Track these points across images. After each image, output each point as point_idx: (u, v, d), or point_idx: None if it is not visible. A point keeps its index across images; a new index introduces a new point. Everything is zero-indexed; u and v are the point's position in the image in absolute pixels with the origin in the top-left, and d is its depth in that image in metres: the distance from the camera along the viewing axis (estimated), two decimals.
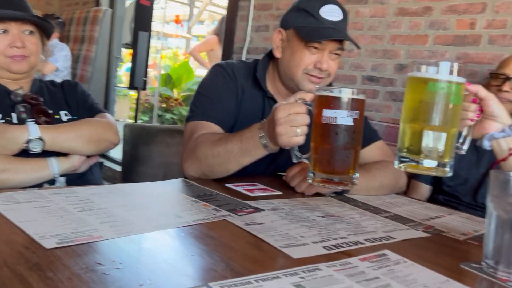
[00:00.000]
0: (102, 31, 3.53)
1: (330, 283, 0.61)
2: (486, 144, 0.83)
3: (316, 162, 0.92)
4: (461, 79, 0.80)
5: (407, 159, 0.83)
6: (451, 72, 0.79)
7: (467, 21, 2.10)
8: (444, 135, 0.80)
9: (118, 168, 2.85)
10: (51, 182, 1.17)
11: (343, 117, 0.87)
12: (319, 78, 1.26)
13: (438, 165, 0.82)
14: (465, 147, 0.88)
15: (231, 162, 1.11)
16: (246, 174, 1.35)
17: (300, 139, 0.95)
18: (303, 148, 0.98)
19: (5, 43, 1.19)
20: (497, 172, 0.71)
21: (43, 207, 0.79)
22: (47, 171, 1.14)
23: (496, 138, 0.82)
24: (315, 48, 1.24)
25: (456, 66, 0.79)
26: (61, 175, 1.18)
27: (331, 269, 0.65)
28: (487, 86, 1.66)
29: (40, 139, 1.10)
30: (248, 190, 1.10)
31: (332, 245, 0.76)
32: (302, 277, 0.61)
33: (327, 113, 0.87)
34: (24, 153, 1.11)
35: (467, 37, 2.10)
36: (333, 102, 0.88)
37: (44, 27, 1.29)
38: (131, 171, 1.78)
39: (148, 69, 2.96)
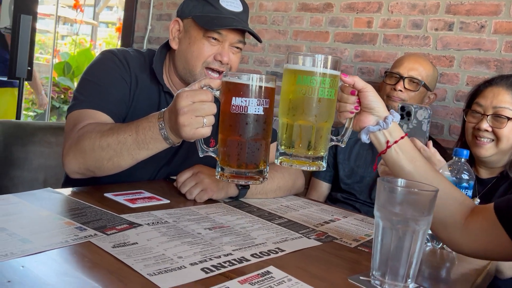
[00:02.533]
0: None
1: None
2: (364, 138, 0.81)
3: (224, 155, 0.81)
4: (335, 72, 0.77)
5: (283, 153, 0.79)
6: (324, 65, 0.76)
7: (365, 20, 2.15)
8: (314, 128, 0.77)
9: None
10: None
11: (254, 106, 0.77)
12: (220, 72, 1.17)
13: (310, 159, 0.78)
14: (345, 139, 0.85)
15: (124, 156, 0.95)
16: (132, 179, 1.21)
17: (206, 131, 0.84)
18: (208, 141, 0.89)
19: None
20: (384, 180, 0.67)
21: None
22: None
23: (372, 132, 0.80)
24: (215, 39, 1.15)
25: (330, 58, 0.76)
26: None
27: None
28: (382, 84, 1.70)
29: None
30: (130, 200, 0.97)
31: (213, 266, 0.67)
32: None
33: (237, 101, 0.77)
34: None
35: (364, 36, 2.15)
36: (243, 90, 0.78)
37: None
38: (3, 176, 1.54)
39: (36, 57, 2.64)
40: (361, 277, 0.70)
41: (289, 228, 0.94)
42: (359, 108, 0.81)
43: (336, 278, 0.70)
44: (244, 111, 0.77)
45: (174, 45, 1.21)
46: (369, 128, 0.80)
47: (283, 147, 0.79)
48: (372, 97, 0.80)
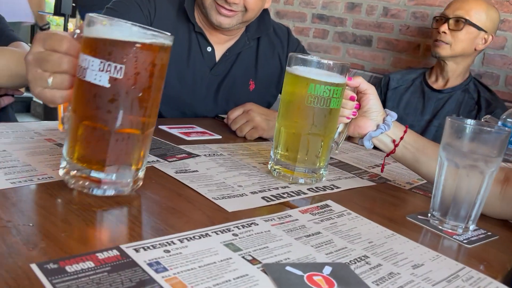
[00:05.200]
0: None
1: (266, 240, 0.53)
2: (368, 145, 0.81)
3: (73, 142, 0.55)
4: (343, 80, 0.73)
5: (284, 164, 0.76)
6: (339, 72, 0.72)
7: None
8: (321, 142, 0.75)
9: None
10: None
11: (94, 71, 0.51)
12: (230, 10, 1.10)
13: (313, 171, 0.76)
14: (340, 145, 0.84)
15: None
16: (183, 115, 1.24)
17: (51, 95, 0.56)
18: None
19: None
20: (453, 119, 0.65)
21: None
22: None
23: (375, 137, 0.80)
24: None
25: (343, 66, 0.72)
26: None
27: (269, 224, 0.58)
28: (432, 31, 1.64)
29: None
30: (184, 134, 0.99)
31: (272, 196, 0.69)
32: (235, 234, 0.53)
33: (80, 59, 0.53)
34: None
35: None
36: (90, 42, 0.52)
37: None
38: None
39: None
40: (419, 216, 0.70)
41: (341, 168, 0.94)
42: (356, 113, 0.80)
43: (393, 215, 0.70)
44: (82, 76, 0.52)
45: None
46: (371, 134, 0.79)
47: (283, 157, 0.76)
48: (373, 101, 0.78)
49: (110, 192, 0.55)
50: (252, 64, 1.29)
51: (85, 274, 0.40)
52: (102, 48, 0.51)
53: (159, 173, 0.70)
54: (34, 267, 0.40)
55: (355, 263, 0.51)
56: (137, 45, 0.51)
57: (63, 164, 0.56)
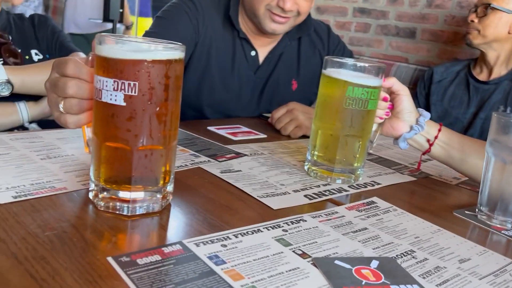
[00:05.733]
0: None
1: (315, 236, 0.56)
2: (403, 146, 0.81)
3: (97, 164, 0.56)
4: (380, 82, 0.75)
5: (321, 164, 0.78)
6: (376, 74, 0.74)
7: None
8: (359, 143, 0.77)
9: None
10: (23, 128, 1.08)
11: (109, 90, 0.52)
12: (284, 17, 1.13)
13: (350, 171, 0.78)
14: (374, 144, 0.85)
15: None
16: (228, 115, 1.28)
17: (65, 120, 0.57)
18: None
19: None
20: (500, 114, 0.65)
21: (1, 154, 0.72)
22: (16, 116, 1.05)
23: (409, 138, 0.81)
24: None
25: (379, 68, 0.74)
26: (33, 121, 1.09)
27: (316, 220, 0.61)
28: (466, 21, 1.63)
29: (8, 82, 1.00)
30: (231, 134, 1.04)
31: (314, 194, 0.71)
32: (285, 230, 0.57)
33: (95, 81, 0.54)
34: None
35: None
36: (103, 62, 0.52)
37: None
38: None
39: None
40: (466, 211, 0.70)
41: (381, 164, 0.95)
42: (389, 114, 0.80)
43: (440, 211, 0.71)
44: (98, 98, 0.53)
45: None
46: (405, 136, 0.80)
47: (320, 158, 0.78)
48: (406, 102, 0.79)
49: (141, 211, 0.55)
50: (294, 64, 1.32)
51: (154, 266, 0.45)
52: (113, 68, 0.51)
53: (207, 174, 0.75)
54: (110, 259, 0.45)
55: (402, 257, 0.53)
56: (147, 61, 0.51)
57: (92, 186, 0.57)
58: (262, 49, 1.27)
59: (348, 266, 0.49)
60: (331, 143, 0.77)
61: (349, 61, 0.75)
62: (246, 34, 1.24)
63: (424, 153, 0.83)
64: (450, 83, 1.63)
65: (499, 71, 1.56)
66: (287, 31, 1.22)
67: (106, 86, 0.52)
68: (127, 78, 0.51)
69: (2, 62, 1.07)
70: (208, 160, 0.81)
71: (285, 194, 0.70)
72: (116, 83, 0.51)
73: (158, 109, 0.53)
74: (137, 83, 0.51)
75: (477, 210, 0.69)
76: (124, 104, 0.52)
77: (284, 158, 0.89)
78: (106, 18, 2.60)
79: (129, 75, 0.51)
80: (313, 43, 1.34)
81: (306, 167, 0.81)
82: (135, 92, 0.51)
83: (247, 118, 1.26)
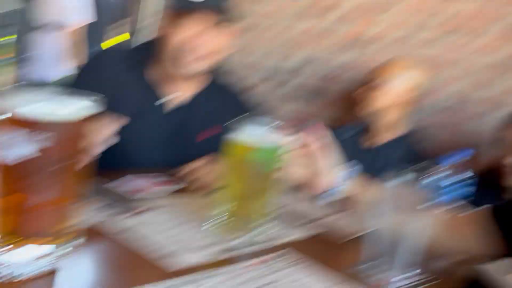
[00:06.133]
0: None
1: None
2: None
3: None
4: (276, 143, 0.79)
5: (227, 221, 0.81)
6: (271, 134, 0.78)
7: None
8: (261, 201, 0.81)
9: None
10: None
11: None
12: (199, 57, 1.18)
13: (256, 227, 0.81)
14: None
15: None
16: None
17: None
18: None
19: None
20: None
21: None
22: None
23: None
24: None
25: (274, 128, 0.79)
26: None
27: (215, 280, 0.62)
28: None
29: None
30: (149, 184, 1.03)
31: (216, 251, 0.72)
32: None
33: None
34: None
35: None
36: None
37: None
38: None
39: None
40: (353, 268, 0.76)
41: (288, 221, 0.99)
42: None
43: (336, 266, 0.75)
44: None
45: None
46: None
47: (226, 216, 0.80)
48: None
49: (29, 272, 0.53)
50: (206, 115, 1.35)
51: None
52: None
53: (106, 233, 0.72)
54: None
55: None
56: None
57: None
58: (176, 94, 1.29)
59: None
60: (235, 200, 0.80)
61: (251, 125, 0.79)
62: (158, 79, 1.26)
63: None
64: None
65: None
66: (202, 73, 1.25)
67: None
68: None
69: None
70: (112, 217, 0.79)
71: (184, 253, 0.69)
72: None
73: (55, 167, 0.53)
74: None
75: (365, 264, 0.75)
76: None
77: (190, 215, 0.89)
78: None
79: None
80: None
81: (209, 224, 0.82)
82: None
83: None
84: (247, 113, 1.40)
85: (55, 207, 0.54)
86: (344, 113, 2.23)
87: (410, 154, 1.70)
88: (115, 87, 1.21)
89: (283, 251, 0.77)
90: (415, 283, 0.72)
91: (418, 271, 0.75)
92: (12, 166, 0.51)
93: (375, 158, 1.71)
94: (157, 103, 1.27)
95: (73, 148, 0.55)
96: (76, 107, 0.54)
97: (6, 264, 0.52)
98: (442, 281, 0.76)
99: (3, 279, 0.51)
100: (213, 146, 1.33)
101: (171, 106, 1.29)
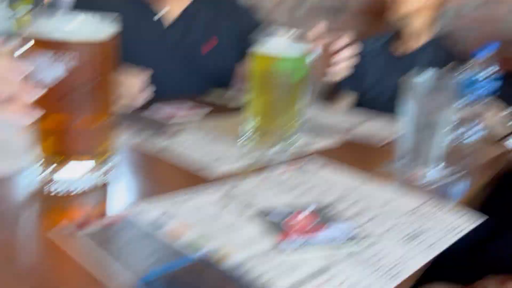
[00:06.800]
0: None
1: (254, 194, 0.60)
2: None
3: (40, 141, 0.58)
4: (302, 50, 0.79)
5: (256, 134, 0.82)
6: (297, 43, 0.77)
7: None
8: (292, 111, 0.81)
9: None
10: None
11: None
12: None
13: (286, 139, 0.82)
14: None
15: None
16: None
17: None
18: None
19: None
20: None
21: None
22: None
23: None
24: None
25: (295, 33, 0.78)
26: None
27: (256, 181, 0.65)
28: None
29: None
30: (175, 110, 1.06)
31: (251, 162, 0.75)
32: (227, 191, 0.60)
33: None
34: None
35: None
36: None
37: None
38: None
39: None
40: (389, 164, 0.78)
41: (316, 130, 1.00)
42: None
43: (367, 166, 0.77)
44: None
45: None
46: None
47: (255, 129, 0.81)
48: None
49: (83, 186, 0.57)
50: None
51: (99, 233, 0.47)
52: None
53: (145, 151, 0.76)
54: (55, 232, 0.46)
55: (334, 203, 0.59)
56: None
57: (33, 166, 0.58)
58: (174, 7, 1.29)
59: (281, 217, 0.54)
60: (264, 112, 0.81)
61: (272, 36, 0.78)
62: None
63: None
64: None
65: None
66: None
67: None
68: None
69: None
70: (149, 139, 0.83)
71: (221, 165, 0.73)
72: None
73: (91, 85, 0.56)
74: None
75: (397, 162, 0.77)
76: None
77: (224, 133, 0.91)
78: None
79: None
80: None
81: (241, 139, 0.85)
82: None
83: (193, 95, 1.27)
84: (252, 21, 1.37)
85: (93, 125, 0.58)
86: (369, 26, 2.16)
87: (442, 57, 1.65)
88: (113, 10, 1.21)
89: (313, 156, 0.79)
90: (447, 176, 0.74)
91: (449, 165, 0.76)
92: (47, 88, 0.54)
93: (408, 64, 1.67)
94: (155, 18, 1.27)
95: (102, 67, 0.57)
96: (97, 27, 0.56)
97: (59, 181, 0.56)
98: (473, 175, 0.78)
99: (61, 194, 0.56)
100: (219, 58, 1.34)
101: (167, 20, 1.29)
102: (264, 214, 0.54)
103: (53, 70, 0.53)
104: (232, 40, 1.35)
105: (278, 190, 0.63)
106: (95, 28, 0.56)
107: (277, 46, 0.78)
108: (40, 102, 0.54)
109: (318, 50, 0.93)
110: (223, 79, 1.41)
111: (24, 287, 0.38)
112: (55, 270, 0.41)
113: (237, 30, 1.34)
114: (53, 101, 0.55)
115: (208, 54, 1.33)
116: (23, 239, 0.45)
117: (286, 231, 0.50)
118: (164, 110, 1.07)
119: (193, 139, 0.85)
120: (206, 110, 1.09)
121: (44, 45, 0.53)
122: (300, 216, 0.54)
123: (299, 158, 0.79)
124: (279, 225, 0.51)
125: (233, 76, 1.45)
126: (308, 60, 0.82)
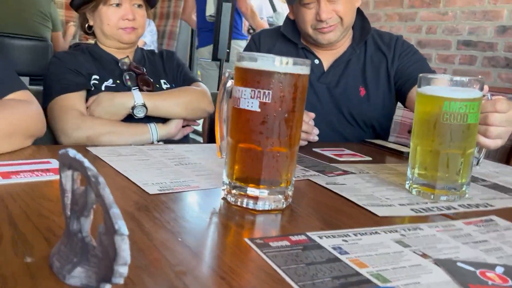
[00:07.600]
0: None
1: (433, 242, 0.57)
2: None
3: (231, 164, 0.65)
4: (479, 94, 0.74)
5: (423, 182, 0.78)
6: (473, 87, 0.74)
7: None
8: (461, 158, 0.75)
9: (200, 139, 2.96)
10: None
11: (246, 99, 0.60)
12: (329, 26, 1.26)
13: (455, 188, 0.76)
14: (481, 160, 0.87)
15: None
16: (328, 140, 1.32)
17: None
18: None
19: (118, 16, 1.26)
20: None
21: (143, 160, 0.84)
22: (147, 135, 1.19)
23: None
24: (308, 3, 1.25)
25: (472, 81, 0.74)
26: (160, 140, 1.24)
27: (433, 229, 0.62)
28: None
29: (144, 105, 1.17)
30: (337, 155, 1.08)
31: (422, 208, 0.71)
32: (402, 235, 0.58)
33: (234, 90, 0.63)
34: (127, 119, 1.18)
35: None
36: (241, 73, 0.62)
37: (150, 1, 1.35)
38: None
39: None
40: None
41: (496, 189, 0.91)
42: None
43: None
44: (237, 105, 0.62)
45: (291, 16, 1.38)
46: None
47: (421, 176, 0.78)
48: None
49: (266, 207, 0.62)
50: (360, 71, 1.37)
51: (285, 249, 0.50)
52: (251, 79, 0.60)
53: (314, 185, 0.79)
54: (247, 240, 0.51)
55: None
56: (280, 73, 0.60)
57: (224, 185, 0.65)
58: (327, 58, 1.36)
59: (471, 268, 0.50)
60: (431, 160, 0.77)
61: (445, 76, 0.76)
62: (307, 45, 1.36)
63: None
64: None
65: None
66: (341, 38, 1.32)
67: (244, 94, 0.61)
68: (263, 87, 0.60)
69: (138, 89, 1.24)
70: (317, 174, 0.86)
71: (390, 206, 0.71)
72: (253, 91, 0.60)
73: (286, 115, 0.61)
74: (270, 91, 0.60)
75: None
76: (259, 110, 0.60)
77: (389, 178, 0.90)
78: (215, 57, 2.84)
79: (264, 85, 0.60)
80: (379, 48, 1.37)
81: (407, 185, 0.81)
82: (268, 100, 0.60)
83: (351, 143, 1.29)
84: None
85: (281, 156, 0.62)
86: None
87: None
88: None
89: (492, 214, 0.71)
90: None
91: None
92: (244, 116, 0.61)
93: None
94: (313, 63, 1.36)
95: (299, 98, 0.62)
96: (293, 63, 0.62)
97: (246, 198, 0.63)
98: None
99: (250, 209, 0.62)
100: (373, 101, 1.33)
101: (325, 66, 1.37)
102: (451, 262, 0.51)
103: (251, 100, 0.60)
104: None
105: (459, 242, 0.58)
106: (292, 63, 0.62)
107: (447, 89, 0.75)
108: (240, 128, 0.61)
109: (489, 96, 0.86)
110: (381, 125, 1.40)
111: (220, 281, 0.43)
112: (247, 271, 0.45)
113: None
114: (253, 127, 0.61)
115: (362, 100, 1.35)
116: (222, 241, 0.51)
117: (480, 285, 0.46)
118: (328, 152, 1.10)
119: (360, 181, 0.85)
120: (367, 158, 1.08)
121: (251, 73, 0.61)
122: (489, 274, 0.49)
123: (479, 213, 0.72)
124: (474, 274, 0.47)
125: (390, 122, 1.44)
126: (478, 105, 0.76)
